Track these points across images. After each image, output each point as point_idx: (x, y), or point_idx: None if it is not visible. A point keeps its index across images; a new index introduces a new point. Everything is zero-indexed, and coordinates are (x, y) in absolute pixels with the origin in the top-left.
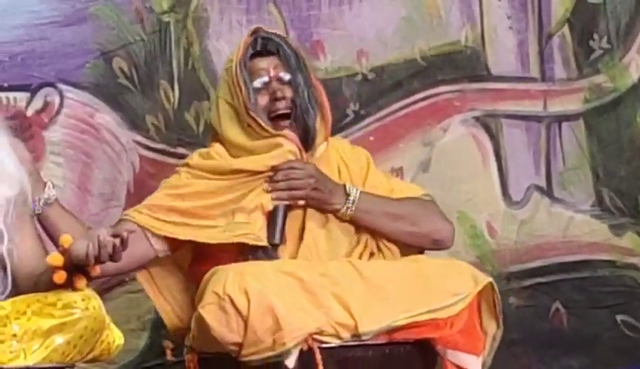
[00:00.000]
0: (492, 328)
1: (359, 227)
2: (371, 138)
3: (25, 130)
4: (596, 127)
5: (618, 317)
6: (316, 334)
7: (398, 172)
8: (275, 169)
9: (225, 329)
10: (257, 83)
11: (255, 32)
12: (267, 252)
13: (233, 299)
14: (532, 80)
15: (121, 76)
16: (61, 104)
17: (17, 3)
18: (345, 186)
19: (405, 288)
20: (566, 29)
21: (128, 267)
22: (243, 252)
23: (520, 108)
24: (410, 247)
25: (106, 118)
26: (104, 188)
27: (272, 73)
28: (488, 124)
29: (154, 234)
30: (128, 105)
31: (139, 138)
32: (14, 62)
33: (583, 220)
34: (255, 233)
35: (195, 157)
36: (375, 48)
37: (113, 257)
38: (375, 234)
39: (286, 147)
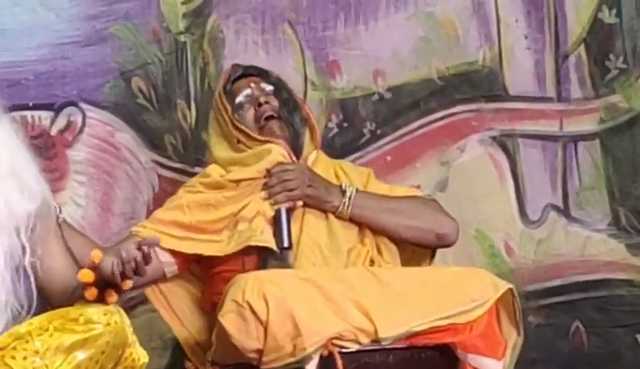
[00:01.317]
0: (513, 335)
1: (360, 226)
2: (388, 158)
3: (50, 149)
4: (612, 147)
5: (639, 337)
6: (336, 339)
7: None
8: (268, 174)
9: (244, 336)
10: (240, 97)
11: (233, 66)
12: (277, 257)
13: (252, 305)
14: (549, 100)
15: (139, 96)
16: (83, 123)
17: (41, 23)
18: (340, 185)
19: (423, 293)
20: (582, 49)
21: (139, 283)
22: (252, 263)
23: (536, 127)
24: (413, 252)
25: (126, 137)
26: (125, 207)
27: (253, 85)
28: (505, 144)
29: (160, 248)
30: (147, 125)
31: (158, 158)
32: (38, 81)
33: (600, 239)
34: (258, 236)
35: (192, 179)
36: (391, 67)
37: (137, 272)
38: (376, 232)
39: (276, 151)
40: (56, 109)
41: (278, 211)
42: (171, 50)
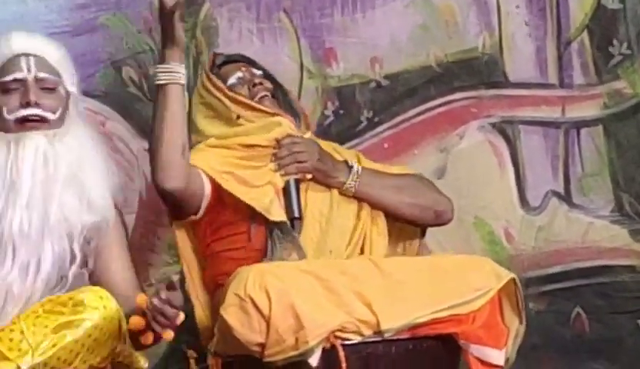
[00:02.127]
0: (515, 324)
1: (359, 201)
2: (386, 145)
3: None
4: (615, 133)
5: None
6: (338, 331)
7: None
8: (278, 144)
9: (247, 330)
10: (232, 79)
11: (216, 53)
12: (283, 230)
13: (254, 299)
14: (550, 86)
15: (130, 85)
16: None
17: (31, 13)
18: (346, 161)
19: (425, 284)
20: (585, 35)
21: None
22: (260, 233)
23: (538, 114)
24: (401, 229)
25: (117, 126)
26: (116, 196)
27: (244, 69)
28: (505, 131)
29: (206, 175)
30: (138, 114)
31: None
32: None
33: (602, 225)
34: (268, 206)
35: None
36: (389, 55)
37: (171, 323)
38: (375, 208)
39: (285, 124)
40: None
41: (287, 182)
42: None
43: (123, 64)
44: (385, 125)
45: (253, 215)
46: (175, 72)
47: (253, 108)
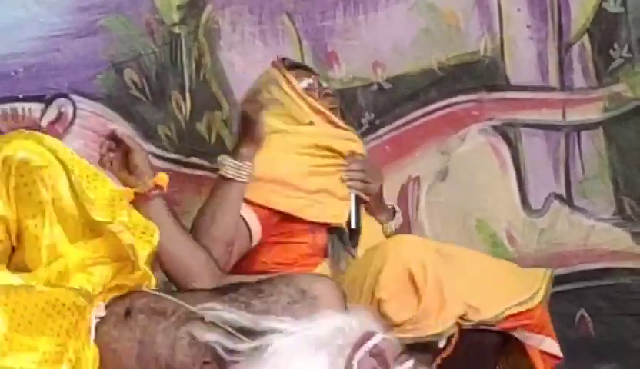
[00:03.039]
0: None
1: None
2: (387, 148)
3: None
4: (616, 136)
5: None
6: (460, 317)
7: (415, 181)
8: (352, 158)
9: (399, 304)
10: (304, 83)
11: (278, 59)
12: (343, 239)
13: (413, 273)
14: (551, 89)
15: (132, 87)
16: (74, 115)
17: (32, 16)
18: (393, 207)
19: (503, 280)
20: (586, 38)
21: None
22: (322, 238)
23: (539, 117)
24: None
25: (119, 128)
26: None
27: (313, 77)
28: (507, 134)
29: (248, 211)
30: (140, 116)
31: (152, 149)
32: (29, 74)
33: (604, 228)
34: (336, 213)
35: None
36: (391, 58)
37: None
38: None
39: (359, 142)
40: (47, 101)
41: (351, 194)
42: (165, 42)
43: (125, 66)
44: (387, 128)
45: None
46: (244, 171)
47: (328, 119)
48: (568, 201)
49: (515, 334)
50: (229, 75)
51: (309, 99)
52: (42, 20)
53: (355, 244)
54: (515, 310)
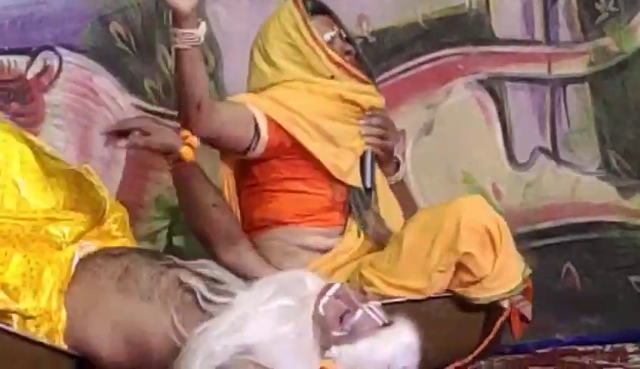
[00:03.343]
0: None
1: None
2: None
3: (26, 93)
4: (601, 90)
5: (632, 279)
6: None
7: (401, 134)
8: (371, 112)
9: (483, 260)
10: (327, 36)
11: None
12: (361, 194)
13: (490, 231)
14: (537, 43)
15: (118, 40)
16: (60, 68)
17: None
18: (397, 158)
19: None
20: None
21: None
22: (343, 193)
23: (524, 71)
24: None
25: (105, 81)
26: (103, 151)
27: (335, 27)
28: (493, 87)
29: (268, 119)
30: (126, 69)
31: (138, 101)
32: (13, 27)
33: (590, 181)
34: (343, 168)
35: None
36: (375, 12)
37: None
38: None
39: (379, 97)
40: (32, 53)
41: (366, 152)
42: None
43: (110, 19)
44: None
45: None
46: (192, 37)
47: (350, 74)
48: (553, 154)
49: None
50: (214, 28)
51: (332, 53)
52: None
53: (368, 203)
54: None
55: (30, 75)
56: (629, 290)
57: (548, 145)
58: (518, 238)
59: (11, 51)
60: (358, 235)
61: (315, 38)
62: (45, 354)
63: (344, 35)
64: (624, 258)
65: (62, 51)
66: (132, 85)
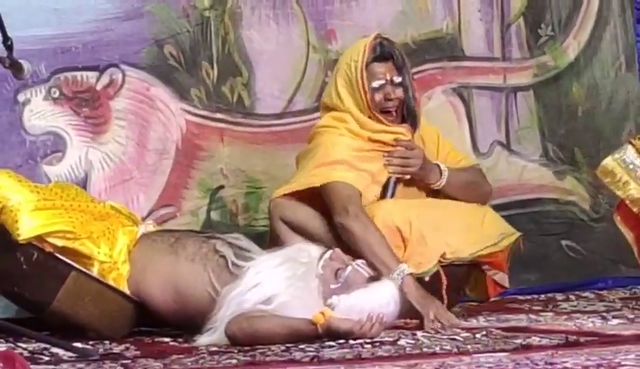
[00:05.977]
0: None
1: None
2: None
3: (95, 100)
4: (542, 96)
5: (563, 242)
6: (441, 257)
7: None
8: (396, 144)
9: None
10: (375, 84)
11: (376, 38)
12: None
13: (400, 228)
14: (495, 59)
15: (170, 59)
16: (123, 81)
17: (89, 3)
18: (439, 166)
19: (475, 226)
20: (521, 20)
21: None
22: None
23: (486, 81)
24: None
25: (159, 91)
26: (157, 145)
27: (388, 77)
28: (462, 94)
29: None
30: (177, 81)
31: (185, 106)
32: (86, 49)
33: (534, 167)
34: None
35: (329, 121)
36: None
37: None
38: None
39: (404, 134)
40: (101, 70)
41: (389, 179)
42: (198, 23)
43: (165, 43)
44: None
45: None
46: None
47: (380, 122)
48: (507, 146)
49: (485, 268)
50: (248, 49)
51: (369, 101)
52: (97, 6)
53: None
54: (485, 252)
55: (99, 87)
56: (561, 252)
57: (503, 139)
58: None
59: (84, 68)
60: None
61: (363, 83)
62: (112, 296)
63: (396, 81)
64: (557, 226)
65: (125, 67)
66: (181, 94)
